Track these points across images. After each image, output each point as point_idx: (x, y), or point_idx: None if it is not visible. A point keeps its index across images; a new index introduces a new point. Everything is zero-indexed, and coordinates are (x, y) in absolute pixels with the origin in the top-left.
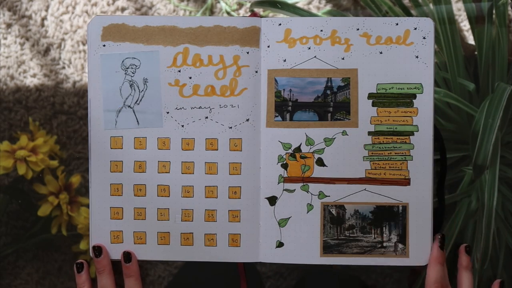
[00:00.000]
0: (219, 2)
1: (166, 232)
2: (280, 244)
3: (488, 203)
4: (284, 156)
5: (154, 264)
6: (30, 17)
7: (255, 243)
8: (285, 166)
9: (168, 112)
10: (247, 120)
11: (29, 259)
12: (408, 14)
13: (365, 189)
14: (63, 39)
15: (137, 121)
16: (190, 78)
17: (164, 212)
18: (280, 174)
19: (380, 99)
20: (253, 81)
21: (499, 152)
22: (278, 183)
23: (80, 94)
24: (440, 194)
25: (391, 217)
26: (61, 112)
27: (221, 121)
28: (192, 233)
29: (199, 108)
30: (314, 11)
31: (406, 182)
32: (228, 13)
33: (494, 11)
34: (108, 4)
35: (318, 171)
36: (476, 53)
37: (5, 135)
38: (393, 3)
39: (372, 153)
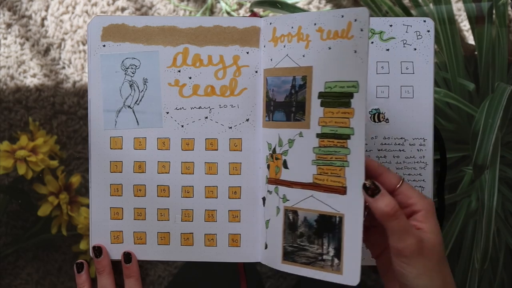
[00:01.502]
0: (219, 2)
1: (166, 232)
2: (266, 246)
3: (488, 203)
4: (269, 157)
5: (154, 264)
6: (30, 17)
7: (255, 243)
8: (268, 167)
9: (168, 112)
10: (247, 120)
11: (29, 259)
12: (408, 14)
13: (312, 196)
14: (63, 39)
15: (137, 121)
16: (190, 78)
17: (164, 212)
18: (266, 175)
19: (326, 98)
20: (253, 81)
21: (499, 152)
22: (266, 183)
23: (80, 94)
24: (440, 194)
25: (330, 228)
26: (61, 112)
27: (221, 121)
28: (192, 233)
29: (199, 108)
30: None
31: (343, 190)
32: (228, 13)
33: (494, 11)
34: (108, 4)
35: (284, 174)
36: (476, 53)
37: (5, 135)
38: (393, 3)
39: (319, 157)
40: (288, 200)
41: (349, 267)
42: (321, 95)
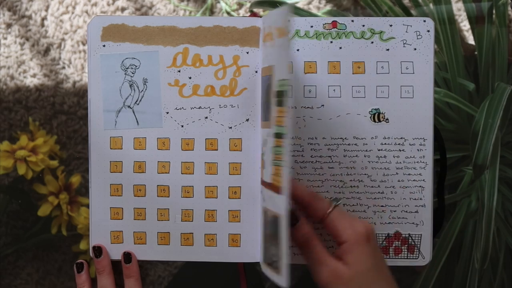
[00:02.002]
0: (219, 2)
1: (166, 232)
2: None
3: (488, 203)
4: (260, 157)
5: (154, 264)
6: (30, 17)
7: (255, 243)
8: (260, 168)
9: (167, 112)
10: (247, 120)
11: (29, 259)
12: (408, 14)
13: (271, 196)
14: (63, 39)
15: (137, 121)
16: (190, 78)
17: (164, 212)
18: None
19: (278, 97)
20: (253, 81)
21: (499, 152)
22: (260, 183)
23: (80, 94)
24: (440, 194)
25: (277, 229)
26: (61, 112)
27: (221, 121)
28: (192, 233)
29: (198, 108)
30: (314, 11)
31: (280, 190)
32: (228, 13)
33: (494, 11)
34: (108, 4)
35: (264, 174)
36: (476, 53)
37: (5, 135)
38: (393, 3)
39: (274, 157)
40: (264, 200)
41: (283, 268)
42: (275, 94)
